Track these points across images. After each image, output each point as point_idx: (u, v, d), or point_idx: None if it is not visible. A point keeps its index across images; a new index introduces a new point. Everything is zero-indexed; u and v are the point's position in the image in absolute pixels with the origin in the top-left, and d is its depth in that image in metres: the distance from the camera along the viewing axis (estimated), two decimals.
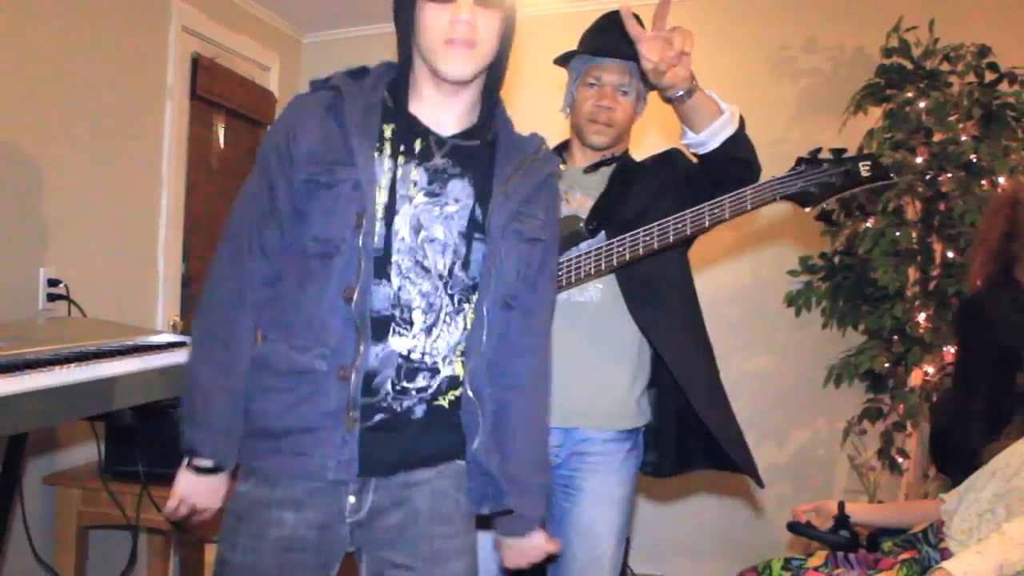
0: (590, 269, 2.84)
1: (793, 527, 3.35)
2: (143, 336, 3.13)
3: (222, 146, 5.33)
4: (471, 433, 2.25)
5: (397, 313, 2.17)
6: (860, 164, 2.69)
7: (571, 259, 2.87)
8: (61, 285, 3.90)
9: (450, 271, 2.23)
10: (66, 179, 3.99)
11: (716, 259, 5.71)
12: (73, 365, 2.57)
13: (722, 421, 2.95)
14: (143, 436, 3.73)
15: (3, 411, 2.28)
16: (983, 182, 4.61)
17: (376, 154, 2.17)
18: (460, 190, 2.25)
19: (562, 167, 3.04)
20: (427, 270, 2.21)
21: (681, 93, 2.70)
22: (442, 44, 2.13)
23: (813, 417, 5.64)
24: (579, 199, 3.05)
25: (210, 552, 3.82)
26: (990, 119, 4.70)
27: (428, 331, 2.21)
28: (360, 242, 2.10)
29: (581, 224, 2.94)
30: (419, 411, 2.24)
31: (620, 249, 2.79)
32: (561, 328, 2.66)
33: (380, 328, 2.16)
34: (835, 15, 5.55)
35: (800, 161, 2.75)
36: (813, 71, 5.61)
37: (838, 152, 2.72)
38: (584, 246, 2.93)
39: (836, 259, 5.05)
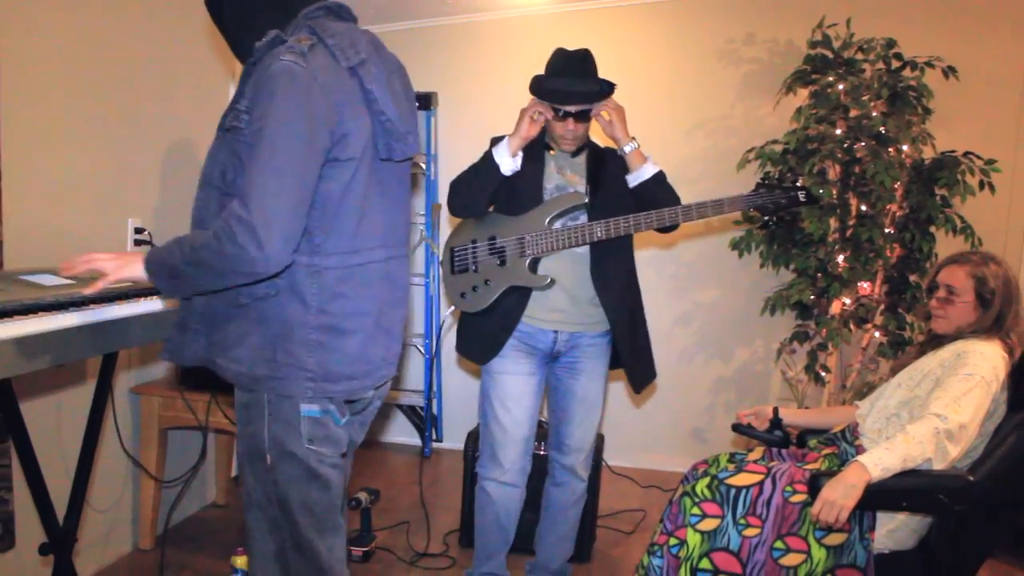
0: (602, 233, 3.25)
1: (736, 428, 3.33)
2: None
3: None
4: None
5: None
6: (799, 192, 3.26)
7: (580, 225, 3.29)
8: (145, 232, 3.87)
9: None
10: (150, 147, 3.94)
11: None
12: (155, 298, 2.54)
13: (630, 342, 3.48)
14: None
15: (99, 334, 2.28)
16: (890, 149, 4.61)
17: None
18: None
19: (551, 153, 3.49)
20: None
21: (623, 150, 3.38)
22: None
23: (752, 339, 5.64)
24: (570, 176, 3.44)
25: None
26: (896, 99, 4.70)
27: None
28: None
29: (586, 200, 3.35)
30: None
31: (626, 224, 3.24)
32: (573, 267, 3.37)
33: None
34: (770, 14, 5.49)
35: (759, 184, 3.43)
36: (753, 60, 5.55)
37: (781, 181, 3.45)
38: (583, 217, 3.37)
39: None
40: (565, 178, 3.43)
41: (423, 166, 5.74)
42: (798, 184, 3.25)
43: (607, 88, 3.31)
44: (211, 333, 2.18)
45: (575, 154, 3.47)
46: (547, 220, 3.32)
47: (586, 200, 3.34)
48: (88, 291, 2.22)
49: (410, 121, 2.31)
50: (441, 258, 3.57)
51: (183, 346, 2.22)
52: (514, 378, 3.44)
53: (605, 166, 3.44)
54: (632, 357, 3.49)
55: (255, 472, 2.21)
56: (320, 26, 2.14)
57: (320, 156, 2.03)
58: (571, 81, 3.25)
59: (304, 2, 2.22)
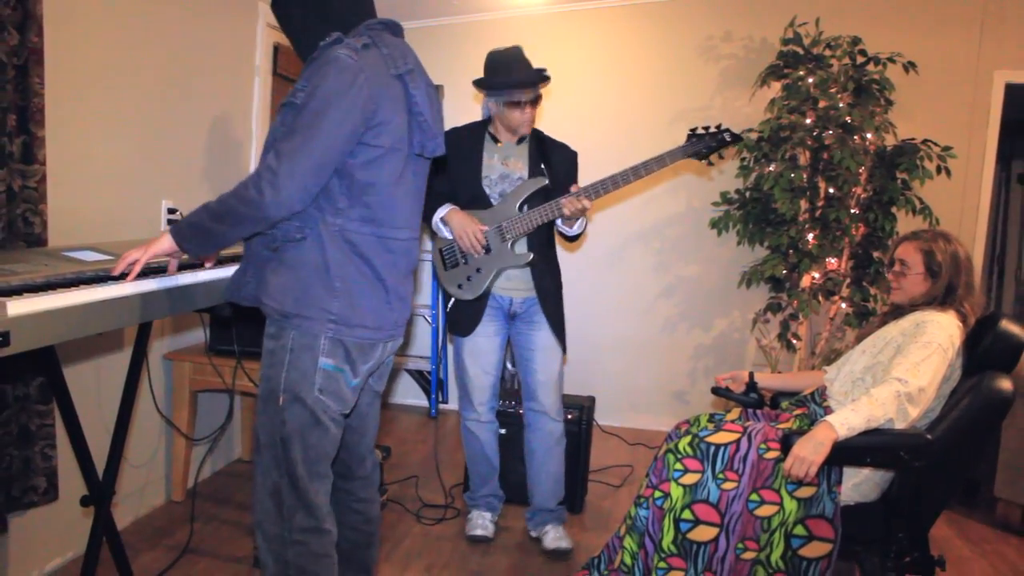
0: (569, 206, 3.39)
1: (715, 391, 3.32)
2: (237, 251, 3.08)
3: None
4: None
5: None
6: (724, 134, 3.43)
7: (551, 203, 3.41)
8: (177, 213, 3.85)
9: None
10: (182, 134, 3.90)
11: (661, 194, 5.67)
12: (187, 272, 2.53)
13: (551, 310, 3.62)
14: (238, 324, 3.74)
15: (135, 305, 2.27)
16: (855, 137, 4.62)
17: None
18: None
19: (499, 144, 3.59)
20: None
21: (574, 223, 3.53)
22: None
23: (730, 310, 5.63)
24: (513, 163, 3.57)
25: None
26: (860, 91, 4.70)
27: None
28: None
29: (546, 182, 3.49)
30: None
31: (594, 191, 3.36)
32: (522, 243, 3.55)
33: None
34: (746, 13, 5.47)
35: (690, 135, 3.45)
36: (730, 56, 5.52)
37: (707, 128, 3.44)
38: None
39: (747, 194, 5.01)
40: (508, 167, 3.57)
41: None
42: (722, 127, 3.42)
43: (545, 73, 3.48)
44: (257, 274, 2.34)
45: (519, 142, 3.60)
46: (517, 206, 3.49)
47: (546, 183, 3.49)
48: (128, 278, 2.29)
49: (439, 125, 2.51)
50: (432, 259, 3.74)
51: (241, 286, 2.39)
52: (481, 339, 3.67)
53: (547, 152, 3.61)
54: (557, 325, 3.65)
55: (268, 411, 2.35)
56: (378, 36, 2.32)
57: (350, 134, 2.18)
58: (520, 73, 3.46)
59: (363, 18, 2.38)
